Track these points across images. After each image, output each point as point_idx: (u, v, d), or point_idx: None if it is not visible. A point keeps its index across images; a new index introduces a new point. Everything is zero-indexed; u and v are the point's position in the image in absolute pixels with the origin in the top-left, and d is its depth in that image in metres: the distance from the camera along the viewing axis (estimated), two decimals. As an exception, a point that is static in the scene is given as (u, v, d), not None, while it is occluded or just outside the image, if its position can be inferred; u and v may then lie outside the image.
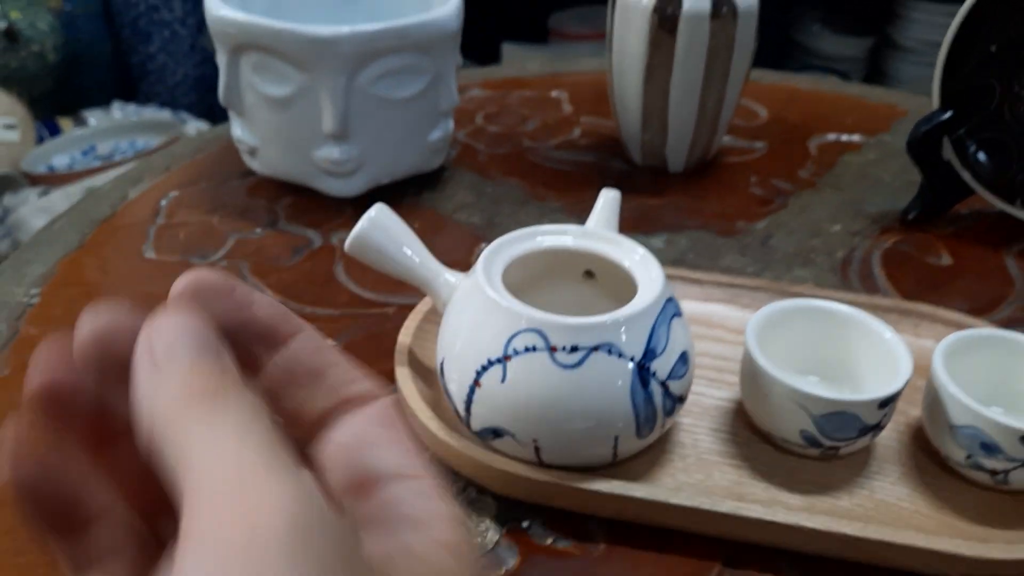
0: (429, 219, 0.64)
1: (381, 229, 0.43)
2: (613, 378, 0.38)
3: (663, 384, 0.39)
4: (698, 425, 0.45)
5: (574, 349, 0.37)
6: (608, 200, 0.47)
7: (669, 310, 0.40)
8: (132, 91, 2.22)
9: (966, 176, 0.62)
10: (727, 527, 0.38)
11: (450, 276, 0.44)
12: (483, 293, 0.39)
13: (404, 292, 0.56)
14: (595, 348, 0.37)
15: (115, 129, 1.74)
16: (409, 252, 0.43)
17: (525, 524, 0.40)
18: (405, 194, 0.66)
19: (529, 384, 0.38)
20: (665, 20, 0.63)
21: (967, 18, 0.59)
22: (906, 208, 0.65)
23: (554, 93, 0.87)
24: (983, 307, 0.56)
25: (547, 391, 0.38)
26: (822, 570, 0.38)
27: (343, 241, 0.61)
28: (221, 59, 0.61)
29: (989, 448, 0.39)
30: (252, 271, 0.57)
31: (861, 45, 1.95)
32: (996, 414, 0.38)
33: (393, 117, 0.62)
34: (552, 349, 0.37)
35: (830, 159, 0.75)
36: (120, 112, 1.96)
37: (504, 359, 0.38)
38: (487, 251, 0.42)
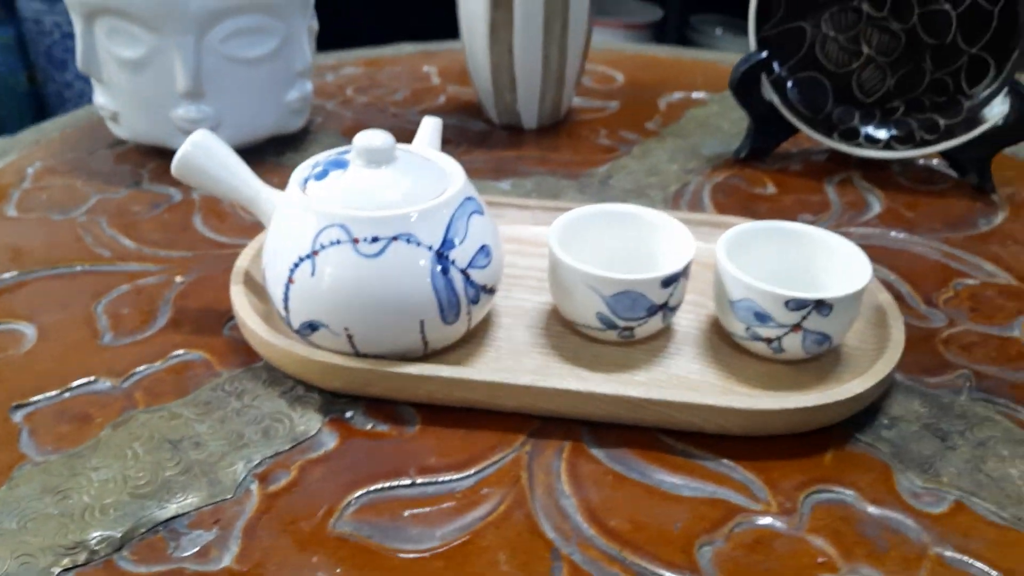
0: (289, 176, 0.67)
1: (203, 150, 0.45)
2: (413, 265, 0.41)
3: (464, 272, 0.42)
4: (516, 324, 0.48)
5: (375, 240, 0.41)
6: (429, 125, 0.51)
7: (468, 207, 0.43)
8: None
9: (787, 114, 0.67)
10: (528, 399, 0.42)
11: (272, 193, 0.46)
12: (294, 201, 0.43)
13: (258, 235, 0.58)
14: (394, 238, 0.41)
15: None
16: (232, 172, 0.46)
17: (348, 415, 0.43)
18: (266, 153, 0.69)
19: (336, 275, 0.41)
20: (504, -21, 0.68)
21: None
22: (738, 148, 0.70)
23: (425, 68, 0.90)
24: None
25: (353, 280, 0.41)
26: (620, 438, 0.42)
27: (202, 195, 0.64)
28: (77, 26, 0.63)
29: (762, 317, 0.43)
30: (110, 224, 0.60)
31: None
32: (763, 284, 0.43)
33: (247, 76, 0.64)
34: (355, 241, 0.41)
35: (676, 113, 0.80)
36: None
37: (313, 254, 0.41)
38: (301, 166, 0.45)
